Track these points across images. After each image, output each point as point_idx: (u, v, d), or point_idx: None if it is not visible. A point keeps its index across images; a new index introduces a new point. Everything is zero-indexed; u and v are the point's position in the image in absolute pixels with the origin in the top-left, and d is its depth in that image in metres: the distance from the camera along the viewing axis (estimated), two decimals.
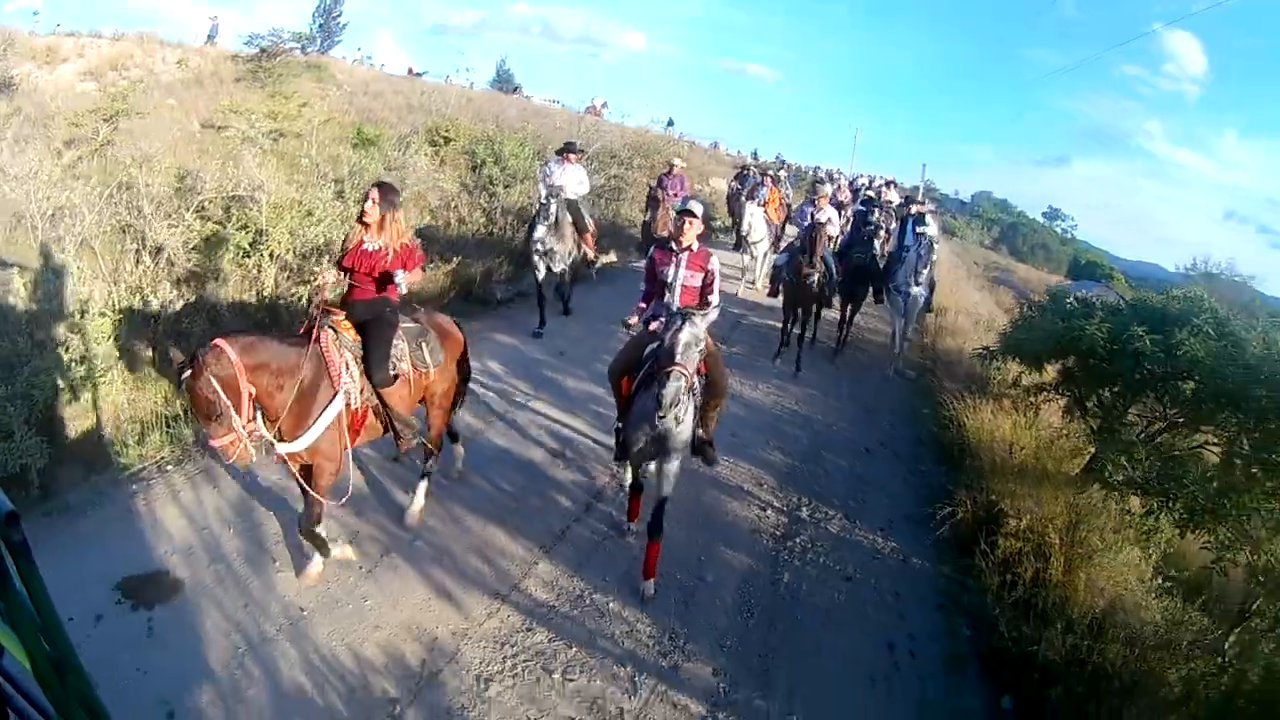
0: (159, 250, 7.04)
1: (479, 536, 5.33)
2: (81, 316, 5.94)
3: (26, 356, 5.62)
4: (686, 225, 5.26)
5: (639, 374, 5.04)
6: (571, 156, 10.01)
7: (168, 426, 5.95)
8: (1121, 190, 37.40)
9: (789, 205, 15.69)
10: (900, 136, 44.13)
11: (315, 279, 6.16)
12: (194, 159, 8.58)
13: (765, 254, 13.07)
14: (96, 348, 5.89)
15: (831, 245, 10.36)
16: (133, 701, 3.69)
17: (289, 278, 7.65)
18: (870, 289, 10.89)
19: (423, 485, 5.42)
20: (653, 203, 11.99)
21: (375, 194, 4.72)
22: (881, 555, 5.97)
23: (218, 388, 3.89)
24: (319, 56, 19.84)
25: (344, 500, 4.71)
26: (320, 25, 27.46)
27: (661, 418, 4.49)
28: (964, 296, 15.44)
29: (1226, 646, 4.76)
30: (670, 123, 28.11)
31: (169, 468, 5.68)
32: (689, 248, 5.28)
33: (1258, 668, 4.39)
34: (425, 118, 14.91)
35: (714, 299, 5.27)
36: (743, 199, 13.38)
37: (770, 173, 16.45)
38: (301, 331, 4.64)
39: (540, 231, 8.90)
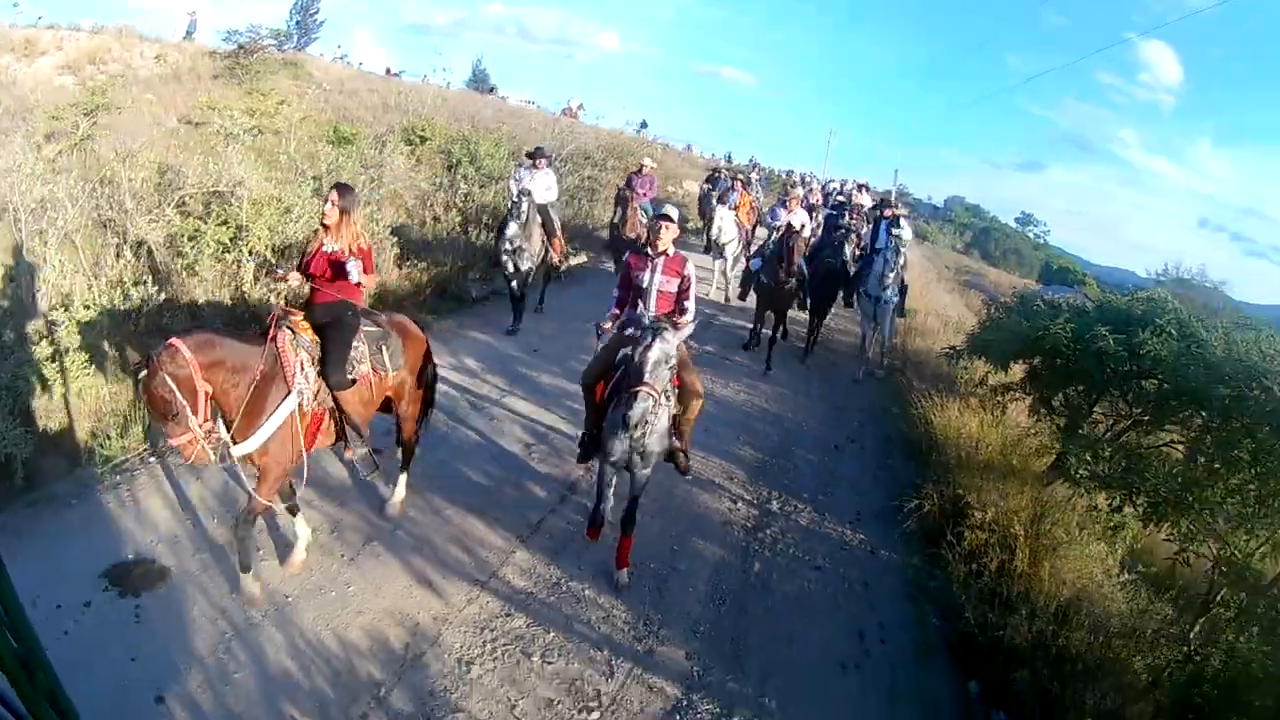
0: (140, 245, 7.08)
1: (458, 527, 5.47)
2: (65, 310, 5.98)
3: (10, 349, 5.66)
4: (663, 230, 5.19)
5: (613, 378, 5.00)
6: (540, 162, 10.15)
7: (149, 419, 6.00)
8: (1095, 197, 38.25)
9: (759, 209, 15.83)
10: (874, 140, 44.83)
11: (269, 278, 6.12)
12: (175, 154, 8.59)
13: (735, 256, 13.22)
14: (78, 341, 5.94)
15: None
16: (122, 685, 3.79)
17: (267, 274, 7.70)
18: (840, 294, 11.07)
19: (402, 478, 5.55)
20: (621, 202, 11.85)
21: (334, 195, 4.74)
22: (850, 547, 6.18)
23: (173, 386, 3.89)
24: (296, 54, 19.72)
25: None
26: (298, 22, 27.36)
27: (630, 436, 4.54)
28: (934, 299, 15.79)
29: (1192, 636, 4.96)
30: (644, 125, 28.36)
31: (152, 459, 5.74)
32: (665, 252, 5.21)
33: (1220, 652, 4.58)
34: (401, 117, 14.92)
35: (690, 305, 5.15)
36: (714, 202, 13.43)
37: (740, 176, 16.58)
38: (261, 332, 4.64)
39: (512, 229, 8.99)
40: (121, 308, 6.54)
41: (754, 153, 32.71)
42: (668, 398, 4.73)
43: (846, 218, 11.61)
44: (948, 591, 5.59)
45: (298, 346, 4.51)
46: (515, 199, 9.07)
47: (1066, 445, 6.57)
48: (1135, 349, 6.07)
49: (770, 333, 10.16)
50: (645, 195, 11.70)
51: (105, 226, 7.12)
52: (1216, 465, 5.51)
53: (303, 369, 4.49)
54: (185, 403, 3.94)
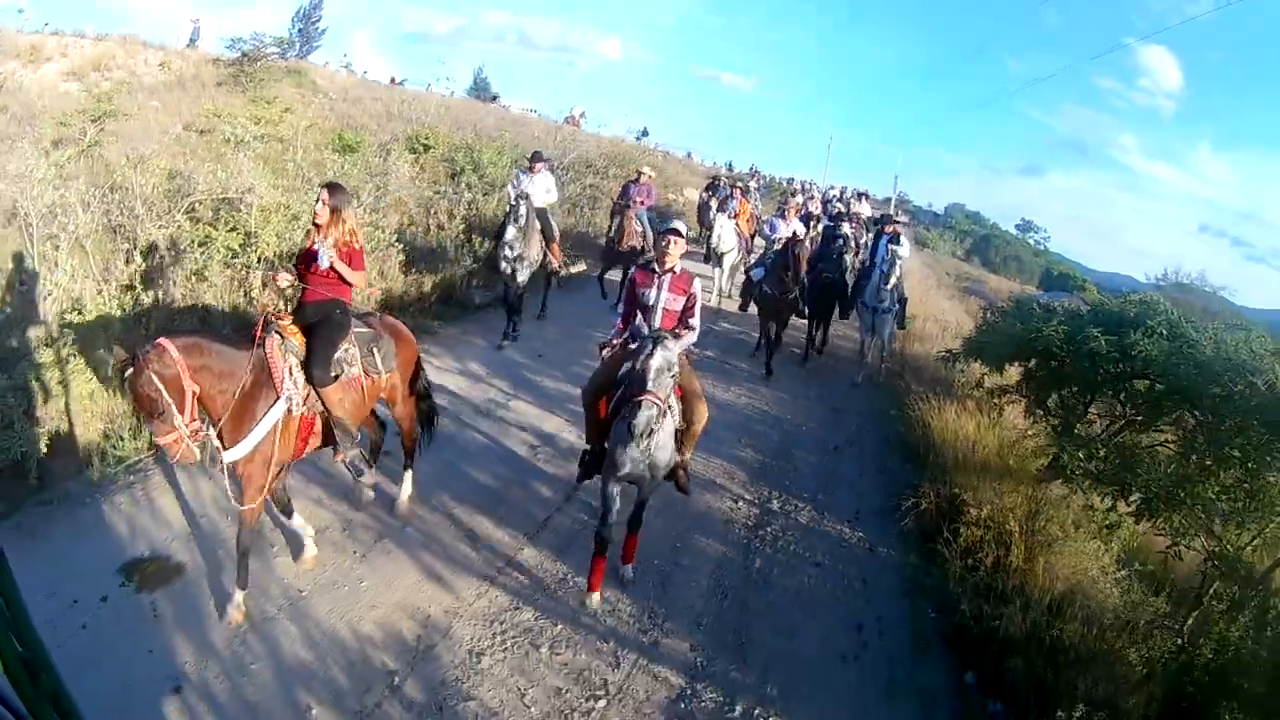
0: (150, 250, 7.19)
1: (466, 525, 5.58)
2: (77, 314, 6.09)
3: (21, 352, 5.77)
4: (671, 245, 5.03)
5: (615, 394, 4.90)
6: (539, 166, 10.16)
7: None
8: (1095, 202, 38.31)
9: (758, 217, 15.91)
10: (874, 143, 45.02)
11: (264, 280, 6.18)
12: (182, 161, 8.72)
13: (734, 265, 13.28)
14: (89, 344, 6.04)
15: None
16: (140, 677, 3.89)
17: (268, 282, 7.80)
18: (838, 306, 11.17)
19: (408, 476, 5.65)
20: (616, 214, 11.46)
21: (325, 194, 4.75)
22: (849, 544, 6.28)
23: (159, 385, 3.92)
24: (298, 62, 19.90)
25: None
26: (300, 30, 27.47)
27: (636, 447, 4.51)
28: (934, 305, 15.92)
29: (1184, 629, 5.06)
30: (645, 133, 28.47)
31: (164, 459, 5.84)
32: (672, 269, 5.06)
33: (1212, 642, 4.69)
34: (405, 125, 15.06)
35: (695, 323, 5.07)
36: (714, 210, 13.42)
37: (740, 185, 16.60)
38: (249, 337, 4.58)
39: (510, 234, 8.87)
40: (131, 312, 6.65)
41: (754, 160, 32.91)
42: (671, 408, 4.71)
43: (845, 227, 11.64)
44: (944, 587, 5.67)
45: (286, 351, 4.50)
46: (514, 202, 9.01)
47: (1061, 443, 6.64)
48: (1127, 350, 6.16)
49: (771, 340, 10.25)
50: (643, 203, 11.67)
51: (115, 232, 7.23)
52: (1208, 462, 5.59)
53: (291, 374, 4.47)
54: (171, 402, 3.97)
